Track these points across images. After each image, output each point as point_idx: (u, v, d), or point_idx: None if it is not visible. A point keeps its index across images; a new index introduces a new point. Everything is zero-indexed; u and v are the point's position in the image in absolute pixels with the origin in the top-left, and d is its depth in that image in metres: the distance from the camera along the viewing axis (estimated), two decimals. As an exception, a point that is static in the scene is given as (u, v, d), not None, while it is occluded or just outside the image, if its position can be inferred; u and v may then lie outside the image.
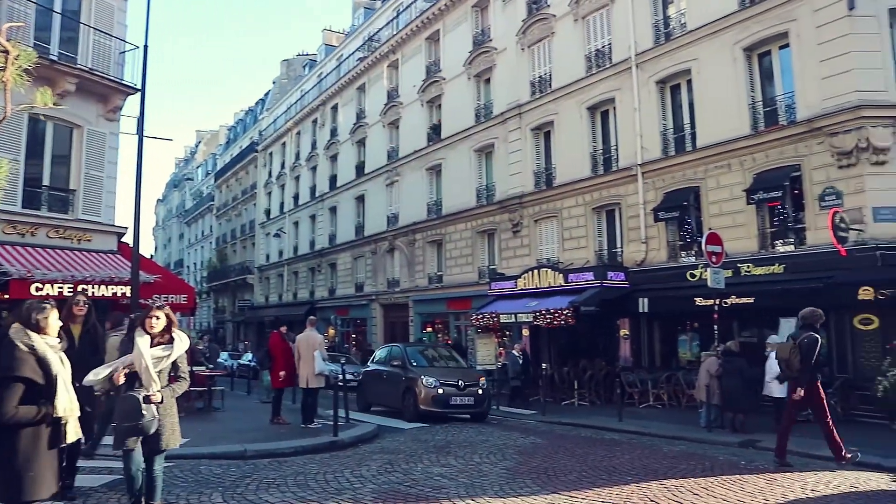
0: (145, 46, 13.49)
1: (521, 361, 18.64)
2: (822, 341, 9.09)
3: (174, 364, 5.56)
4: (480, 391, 14.83)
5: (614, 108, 20.88)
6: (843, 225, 14.18)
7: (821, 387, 9.16)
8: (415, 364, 15.44)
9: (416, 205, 30.30)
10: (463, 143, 27.42)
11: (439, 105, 29.68)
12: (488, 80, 26.78)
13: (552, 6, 23.28)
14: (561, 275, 19.86)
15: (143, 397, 5.26)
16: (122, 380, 5.28)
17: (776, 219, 16.59)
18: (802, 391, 8.96)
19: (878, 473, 8.84)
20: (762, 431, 12.15)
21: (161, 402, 5.39)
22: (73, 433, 4.39)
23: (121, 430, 5.33)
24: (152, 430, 5.31)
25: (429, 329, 29.21)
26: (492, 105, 26.29)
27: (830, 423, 9.08)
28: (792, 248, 15.95)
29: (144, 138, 13.48)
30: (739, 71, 17.21)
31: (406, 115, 31.97)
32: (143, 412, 5.22)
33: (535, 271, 21.00)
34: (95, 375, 5.34)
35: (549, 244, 23.00)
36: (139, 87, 14.49)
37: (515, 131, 24.46)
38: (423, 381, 14.49)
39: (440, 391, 14.36)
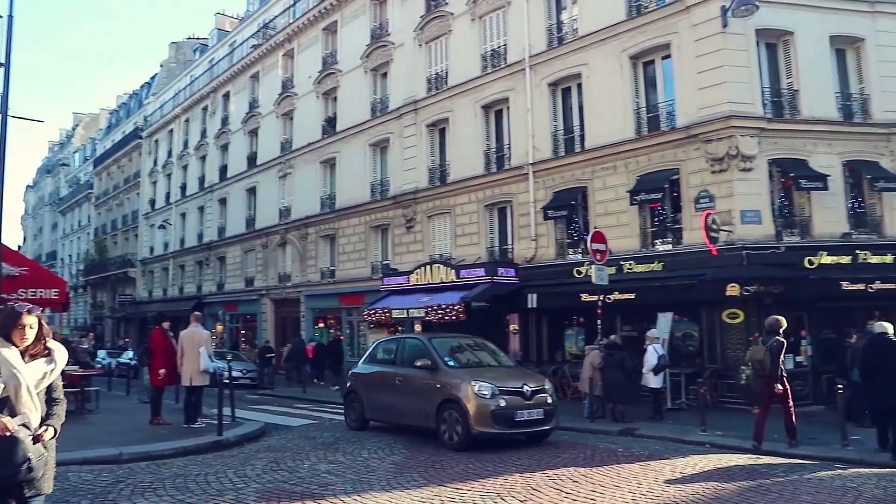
0: (10, 16, 12.45)
1: None
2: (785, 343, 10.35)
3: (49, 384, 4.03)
4: (550, 399, 10.64)
5: (508, 108, 21.34)
6: (714, 226, 15.20)
7: (788, 381, 10.30)
8: (452, 364, 11.13)
9: (309, 198, 29.74)
10: (358, 137, 27.17)
11: (335, 98, 29.25)
12: (385, 75, 26.66)
13: (450, 4, 23.47)
14: (453, 271, 20.10)
15: (34, 436, 3.75)
16: (14, 429, 3.67)
17: (656, 219, 17.52)
18: (780, 386, 10.03)
19: (738, 454, 9.60)
20: (640, 420, 12.86)
21: (54, 436, 3.92)
22: None
23: None
24: (40, 475, 3.81)
25: (321, 324, 28.81)
26: (388, 100, 26.19)
27: (792, 410, 10.13)
28: (670, 246, 16.90)
29: (10, 118, 12.47)
30: (626, 77, 18.03)
31: (301, 107, 31.30)
32: (30, 454, 3.69)
33: (428, 267, 21.16)
34: None
35: (442, 240, 23.23)
36: (2, 61, 13.34)
37: (411, 127, 24.52)
38: (475, 388, 10.03)
39: (501, 403, 9.96)
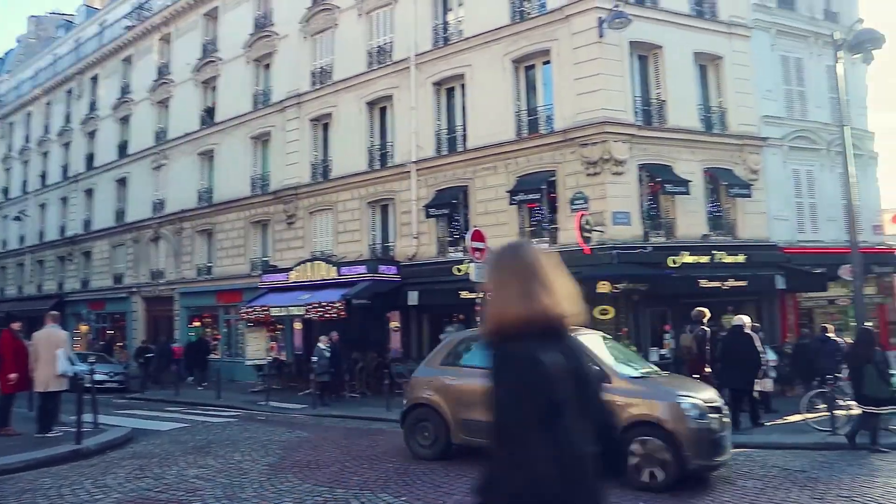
0: None
1: (328, 355, 16.85)
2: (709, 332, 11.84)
3: None
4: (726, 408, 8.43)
5: (392, 105, 21.30)
6: (587, 226, 15.90)
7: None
8: (626, 372, 8.17)
9: (185, 191, 28.33)
10: (238, 129, 26.20)
11: (214, 87, 28.03)
12: (268, 66, 25.86)
13: (337, -3, 23.12)
14: (334, 268, 19.83)
15: None
16: None
17: (534, 218, 18.09)
18: (708, 367, 11.27)
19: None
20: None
21: None
22: None
23: None
24: None
25: (196, 323, 27.54)
26: (271, 92, 25.44)
27: None
28: (546, 245, 17.45)
29: None
30: (508, 80, 18.47)
31: (178, 95, 29.73)
32: None
33: (309, 264, 20.74)
34: None
35: (324, 237, 22.85)
36: None
37: (294, 121, 23.94)
38: (682, 405, 7.50)
39: (712, 424, 7.50)
